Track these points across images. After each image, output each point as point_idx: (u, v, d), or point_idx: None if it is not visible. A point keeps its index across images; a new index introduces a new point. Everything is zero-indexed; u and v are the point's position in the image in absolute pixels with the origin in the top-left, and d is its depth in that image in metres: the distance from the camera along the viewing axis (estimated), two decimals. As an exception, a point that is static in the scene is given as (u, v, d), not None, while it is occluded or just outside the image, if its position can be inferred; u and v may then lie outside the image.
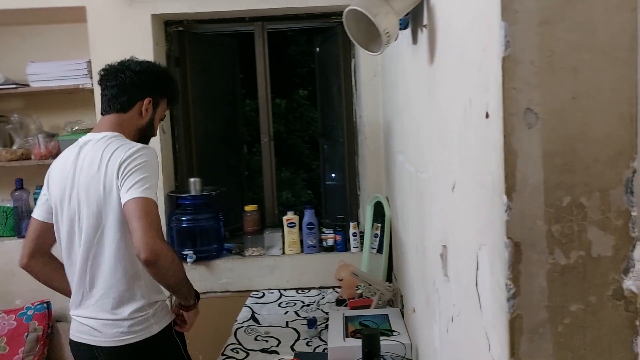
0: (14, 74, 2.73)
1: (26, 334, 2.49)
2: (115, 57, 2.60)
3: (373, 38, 1.33)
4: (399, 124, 1.99)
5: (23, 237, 2.68)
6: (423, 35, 1.36)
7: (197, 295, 1.82)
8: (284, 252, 2.77)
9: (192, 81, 2.91)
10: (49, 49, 2.81)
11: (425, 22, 1.31)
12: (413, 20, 1.46)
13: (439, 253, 1.26)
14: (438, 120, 1.24)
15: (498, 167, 0.76)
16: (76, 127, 2.72)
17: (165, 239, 1.73)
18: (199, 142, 2.97)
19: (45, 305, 2.58)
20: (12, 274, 2.65)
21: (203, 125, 2.99)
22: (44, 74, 2.64)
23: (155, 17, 2.65)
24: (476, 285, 0.92)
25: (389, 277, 2.43)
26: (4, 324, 2.51)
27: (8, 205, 2.71)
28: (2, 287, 2.67)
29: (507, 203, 0.74)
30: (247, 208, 2.85)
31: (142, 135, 1.76)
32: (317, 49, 3.24)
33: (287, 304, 2.49)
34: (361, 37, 1.37)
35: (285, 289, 2.68)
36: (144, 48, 2.62)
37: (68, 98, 2.81)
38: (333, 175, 3.23)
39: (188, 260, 2.65)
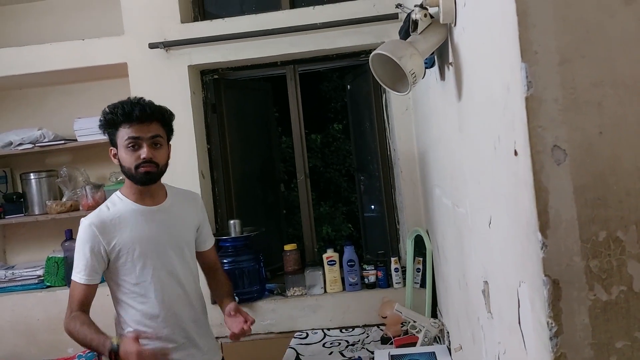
0: (63, 130, 2.88)
1: (79, 381, 2.56)
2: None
3: (400, 78, 1.36)
4: (434, 158, 2.00)
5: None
6: (450, 72, 1.37)
7: (111, 350, 1.68)
8: (325, 291, 2.76)
9: (228, 126, 2.99)
10: (94, 104, 2.93)
11: (450, 59, 1.33)
12: (439, 57, 1.48)
13: (481, 289, 1.24)
14: (470, 155, 1.24)
15: (530, 204, 0.76)
16: (120, 177, 2.82)
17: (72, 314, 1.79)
18: (237, 184, 3.03)
19: (95, 353, 2.64)
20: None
21: (241, 167, 3.06)
22: (89, 128, 2.77)
23: (191, 68, 2.77)
24: (519, 322, 0.91)
25: (434, 313, 2.39)
26: (57, 372, 2.58)
27: (59, 255, 2.82)
28: (55, 336, 2.75)
29: (542, 240, 0.74)
30: (287, 247, 2.87)
31: (127, 176, 1.83)
32: (349, 86, 3.29)
33: (331, 344, 2.47)
34: (388, 79, 1.40)
35: (328, 329, 2.67)
36: (182, 97, 2.73)
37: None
38: (368, 208, 3.23)
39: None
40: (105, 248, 1.80)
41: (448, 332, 2.06)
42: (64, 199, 2.84)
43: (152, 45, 2.69)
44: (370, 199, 3.19)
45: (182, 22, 2.76)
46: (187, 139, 2.74)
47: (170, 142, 1.91)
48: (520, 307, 0.89)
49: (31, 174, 2.88)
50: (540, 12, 0.73)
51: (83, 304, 1.80)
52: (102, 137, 2.75)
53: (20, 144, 2.79)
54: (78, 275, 1.80)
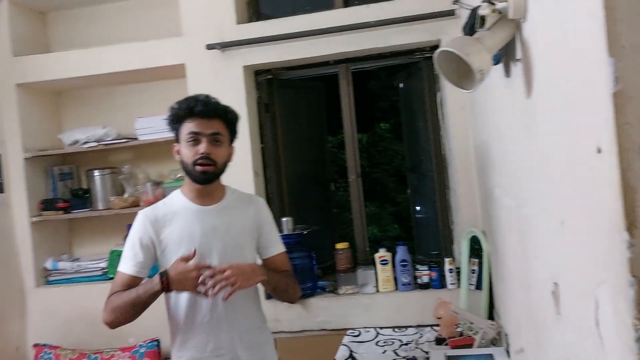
0: (125, 129, 2.99)
1: (139, 371, 2.65)
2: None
3: (465, 75, 1.35)
4: (494, 157, 1.96)
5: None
6: (517, 69, 1.35)
7: (161, 277, 1.67)
8: (377, 290, 2.76)
9: (281, 125, 3.03)
10: (154, 104, 3.05)
11: (518, 56, 1.31)
12: (505, 54, 1.46)
13: (550, 290, 1.21)
14: (538, 154, 1.22)
15: (615, 203, 0.74)
16: (179, 175, 2.91)
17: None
18: (290, 182, 3.07)
19: (155, 343, 2.73)
20: (124, 315, 2.83)
21: (293, 166, 3.10)
22: (149, 127, 2.87)
23: (246, 68, 2.81)
24: (597, 325, 0.89)
25: (491, 315, 2.35)
26: (120, 361, 2.69)
27: (122, 249, 2.91)
28: (117, 326, 2.86)
29: (628, 240, 0.72)
30: (339, 246, 2.88)
31: (186, 173, 1.80)
32: (401, 84, 3.27)
33: (384, 342, 2.46)
34: (453, 76, 1.38)
35: (381, 327, 2.66)
36: (236, 97, 2.78)
37: (171, 148, 3.00)
38: (420, 208, 3.20)
39: (285, 299, 2.70)
40: (154, 241, 1.78)
41: (507, 335, 2.02)
42: (125, 195, 2.94)
43: (210, 46, 2.75)
44: (423, 199, 3.16)
45: (238, 23, 2.81)
46: (241, 138, 2.73)
47: (233, 145, 1.87)
48: (599, 308, 0.87)
49: (95, 171, 3.00)
50: (628, 6, 0.71)
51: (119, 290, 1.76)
52: (162, 136, 2.86)
53: (86, 142, 2.92)
54: (124, 265, 1.78)
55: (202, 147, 1.72)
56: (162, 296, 1.76)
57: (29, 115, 3.01)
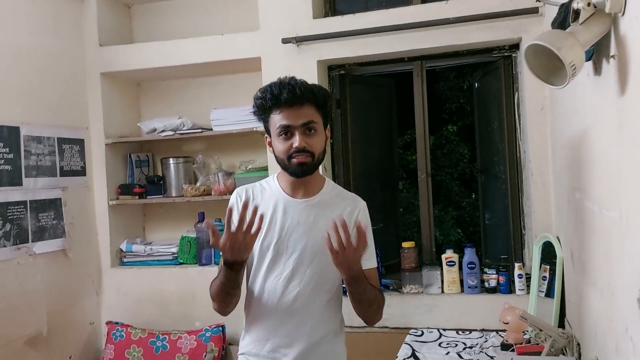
0: (200, 119, 3.08)
1: (204, 354, 2.73)
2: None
3: (554, 71, 1.30)
4: (576, 159, 1.88)
5: (203, 264, 2.98)
6: (610, 66, 1.29)
7: (225, 263, 1.54)
8: (443, 291, 2.71)
9: (351, 121, 3.04)
10: (229, 96, 3.13)
11: (612, 52, 1.25)
12: (597, 50, 1.40)
13: (635, 297, 1.15)
14: (630, 155, 1.16)
15: None
16: (250, 166, 2.97)
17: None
18: (357, 179, 3.07)
19: (220, 328, 2.80)
20: (193, 298, 2.94)
21: (361, 163, 3.09)
22: (224, 119, 2.95)
23: (320, 63, 2.84)
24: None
25: (561, 323, 2.26)
26: (187, 343, 2.77)
27: (192, 235, 3.03)
28: (185, 309, 2.97)
29: None
30: (405, 244, 2.86)
31: (281, 167, 1.64)
32: (476, 83, 3.20)
33: (447, 344, 2.42)
34: (541, 71, 1.34)
35: (444, 329, 2.62)
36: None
37: (243, 140, 3.09)
38: (489, 211, 3.11)
39: (348, 295, 2.71)
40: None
41: (578, 344, 1.94)
42: (198, 184, 3.04)
43: (285, 40, 2.80)
44: (493, 202, 3.08)
45: (314, 17, 2.84)
46: (312, 132, 2.81)
47: (328, 127, 1.68)
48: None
49: (170, 159, 3.12)
50: None
51: None
52: (235, 128, 2.93)
53: (163, 131, 3.03)
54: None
55: (297, 141, 1.54)
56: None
57: (111, 103, 3.16)
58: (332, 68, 2.98)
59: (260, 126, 2.85)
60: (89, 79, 3.11)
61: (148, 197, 3.10)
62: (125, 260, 3.14)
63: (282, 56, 2.84)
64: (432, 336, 2.54)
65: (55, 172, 2.87)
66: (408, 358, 2.29)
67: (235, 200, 1.67)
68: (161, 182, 3.13)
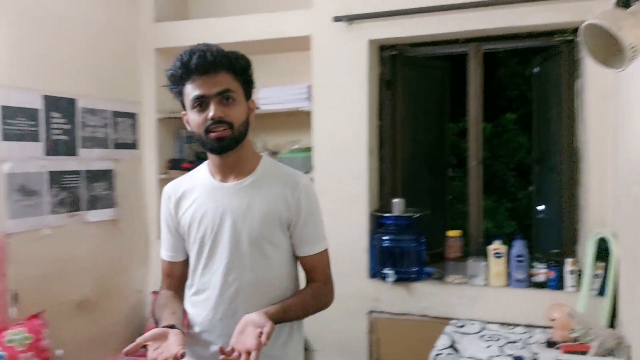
0: (248, 97, 3.08)
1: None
2: (332, 81, 2.81)
3: (614, 54, 1.20)
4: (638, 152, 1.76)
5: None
6: (679, 48, 1.18)
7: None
8: (487, 283, 2.63)
9: (401, 104, 2.96)
10: (277, 75, 3.11)
11: (683, 32, 1.14)
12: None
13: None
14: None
15: None
16: (295, 146, 2.96)
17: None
18: (405, 164, 3.00)
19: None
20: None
21: (409, 147, 3.02)
22: (271, 97, 2.94)
23: (371, 43, 2.77)
24: None
25: (612, 324, 2.14)
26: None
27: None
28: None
29: None
30: (451, 233, 2.78)
31: (200, 144, 1.49)
32: (536, 69, 3.04)
33: (490, 337, 2.35)
34: (600, 53, 1.24)
35: (487, 322, 2.54)
36: (358, 72, 2.75)
37: (289, 119, 3.08)
38: (543, 203, 2.97)
39: (388, 279, 2.68)
40: (174, 221, 1.55)
41: (629, 346, 1.83)
42: (244, 161, 3.05)
43: (337, 19, 2.74)
44: (548, 193, 2.94)
45: (368, -4, 2.77)
46: (358, 114, 2.77)
47: (253, 98, 1.52)
48: None
49: (218, 136, 3.14)
50: None
51: (170, 280, 1.60)
52: (282, 107, 2.92)
53: (212, 108, 3.05)
54: (161, 250, 1.61)
55: (211, 111, 1.38)
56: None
57: (164, 79, 3.20)
58: (384, 48, 2.91)
59: (306, 106, 2.88)
60: (143, 55, 3.16)
61: (196, 172, 3.14)
62: (172, 233, 3.20)
63: (333, 35, 2.79)
64: (473, 328, 2.47)
65: (109, 144, 2.95)
66: (446, 348, 2.23)
67: (165, 202, 1.57)
68: (209, 158, 3.16)
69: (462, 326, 2.49)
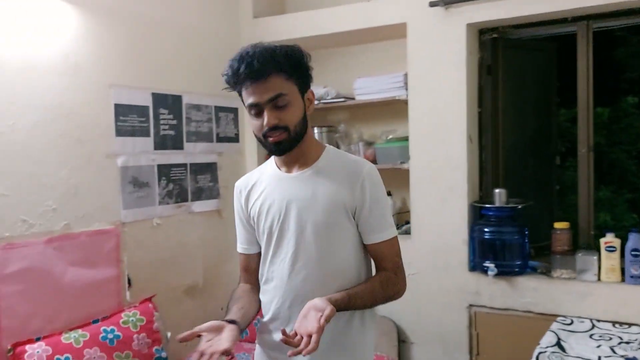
0: (343, 88, 3.10)
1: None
2: (428, 68, 2.74)
3: None
4: None
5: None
6: None
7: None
8: (599, 279, 2.44)
9: (503, 89, 2.83)
10: (372, 65, 3.10)
11: None
12: None
13: None
14: None
15: None
16: (391, 136, 2.93)
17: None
18: (507, 152, 2.86)
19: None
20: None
21: (512, 135, 2.88)
22: (367, 87, 2.93)
23: (470, 27, 2.66)
24: None
25: None
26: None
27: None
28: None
29: None
30: (557, 225, 2.61)
31: (262, 145, 1.51)
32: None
33: (600, 337, 2.18)
34: None
35: (598, 320, 2.36)
36: (457, 58, 2.66)
37: (385, 109, 3.05)
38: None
39: (489, 273, 2.57)
40: (245, 213, 1.59)
41: None
42: (339, 153, 3.07)
43: (432, 4, 2.67)
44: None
45: (465, -22, 2.66)
46: (457, 100, 2.68)
47: (311, 90, 1.49)
48: None
49: (315, 129, 3.18)
50: None
51: (246, 274, 1.64)
52: (377, 97, 2.90)
53: (308, 100, 3.11)
54: (238, 243, 1.65)
55: (265, 119, 1.39)
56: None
57: (264, 74, 3.30)
58: (484, 32, 2.78)
59: (402, 94, 2.83)
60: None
61: (293, 164, 3.20)
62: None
63: (429, 21, 2.72)
64: (583, 326, 2.31)
65: (212, 138, 3.10)
66: (552, 346, 2.11)
67: (237, 196, 1.61)
68: (306, 150, 3.22)
69: (570, 323, 2.34)
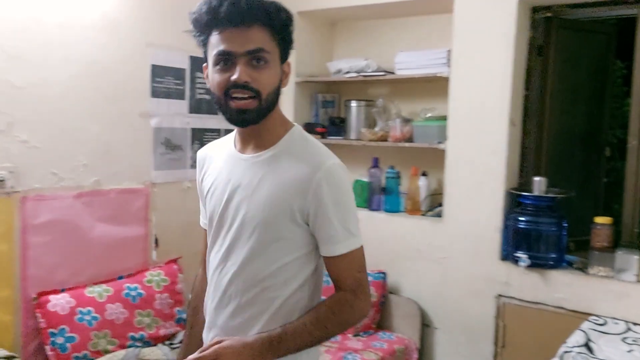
0: (384, 62, 3.00)
1: (361, 297, 2.75)
2: (474, 45, 2.61)
3: None
4: None
5: (373, 210, 2.96)
6: None
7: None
8: (639, 280, 2.30)
9: (553, 72, 2.66)
10: (415, 39, 2.99)
11: None
12: None
13: None
14: None
15: None
16: (429, 114, 2.82)
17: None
18: (552, 139, 2.71)
19: (382, 275, 2.79)
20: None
21: (560, 121, 2.72)
22: (408, 62, 2.82)
23: (521, 3, 2.50)
24: None
25: None
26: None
27: (365, 180, 3.02)
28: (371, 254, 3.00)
29: None
30: (598, 220, 2.46)
31: (218, 108, 1.24)
32: None
33: (634, 341, 2.06)
34: None
35: (635, 324, 2.23)
36: (504, 37, 2.52)
37: (425, 86, 2.94)
38: None
39: (520, 263, 2.46)
40: (200, 187, 1.39)
41: None
42: (376, 129, 2.99)
43: (483, -23, 2.52)
44: None
45: (522, -50, 2.49)
46: (502, 81, 2.54)
47: (289, 61, 1.25)
48: None
49: (353, 102, 3.11)
50: None
51: (205, 252, 1.41)
52: (419, 72, 2.79)
53: (347, 72, 3.03)
54: (201, 216, 1.43)
55: (236, 73, 1.13)
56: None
57: (305, 42, 3.23)
58: (537, 10, 2.62)
59: (444, 72, 2.71)
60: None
61: (329, 137, 3.15)
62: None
63: (479, -5, 2.57)
64: (616, 328, 2.19)
65: (247, 105, 3.07)
66: (579, 346, 2.00)
67: (198, 165, 1.41)
68: (342, 123, 3.15)
69: (602, 324, 2.22)
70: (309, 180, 1.17)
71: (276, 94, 1.20)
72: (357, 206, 2.98)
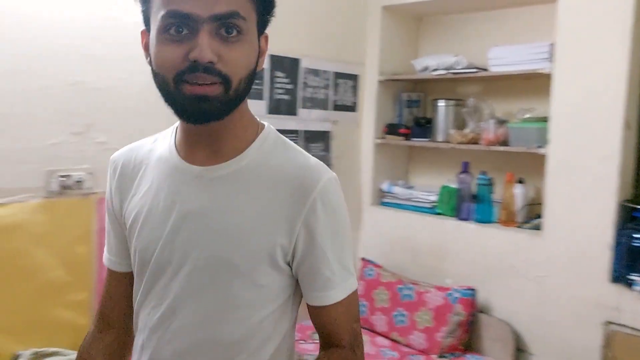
0: (476, 58, 2.76)
1: (450, 314, 2.52)
2: (582, 38, 2.31)
3: None
4: None
5: (462, 219, 2.73)
6: None
7: None
8: None
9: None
10: (511, 32, 2.73)
11: None
12: None
13: None
14: None
15: None
16: (528, 115, 2.55)
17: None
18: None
19: (471, 292, 2.55)
20: (446, 252, 2.75)
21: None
22: (503, 58, 2.56)
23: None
24: None
25: None
26: (434, 298, 2.60)
27: (453, 186, 2.79)
28: (436, 262, 2.80)
29: None
30: None
31: (163, 96, 0.89)
32: None
33: None
34: None
35: None
36: (620, 28, 2.21)
37: (524, 83, 2.67)
38: None
39: (635, 287, 2.15)
40: (117, 207, 0.99)
41: None
42: (466, 130, 2.75)
43: (597, -41, 2.22)
44: None
45: None
46: (615, 78, 2.22)
47: (266, 34, 0.92)
48: None
49: (440, 101, 2.89)
50: None
51: (108, 304, 1.05)
52: (516, 69, 2.52)
53: (435, 70, 2.81)
54: (105, 250, 1.06)
55: (198, 48, 0.78)
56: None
57: (389, 38, 3.06)
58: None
59: (546, 67, 2.42)
60: (370, 13, 3.04)
61: (413, 139, 2.94)
62: (384, 200, 3.09)
63: (590, -20, 2.27)
64: None
65: (328, 106, 2.94)
66: None
67: (109, 176, 1.01)
68: (428, 125, 2.94)
69: None
70: (299, 204, 0.85)
71: (250, 80, 0.86)
72: (443, 214, 2.82)
